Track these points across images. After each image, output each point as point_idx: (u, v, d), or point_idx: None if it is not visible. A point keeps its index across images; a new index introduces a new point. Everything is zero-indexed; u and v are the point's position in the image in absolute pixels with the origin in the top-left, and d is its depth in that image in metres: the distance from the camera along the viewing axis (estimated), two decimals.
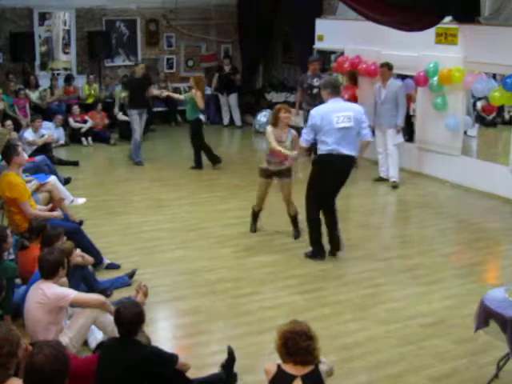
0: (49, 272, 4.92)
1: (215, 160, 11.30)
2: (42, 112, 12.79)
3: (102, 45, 14.23)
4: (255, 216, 8.07)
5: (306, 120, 12.31)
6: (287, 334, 3.72)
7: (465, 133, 10.50)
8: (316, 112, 6.91)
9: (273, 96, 15.14)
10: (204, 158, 11.23)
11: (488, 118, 12.34)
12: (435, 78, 10.09)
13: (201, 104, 10.73)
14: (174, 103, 14.36)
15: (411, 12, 9.38)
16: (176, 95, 11.89)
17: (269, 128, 7.60)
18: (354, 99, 11.62)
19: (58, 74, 14.81)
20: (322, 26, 12.80)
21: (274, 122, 7.59)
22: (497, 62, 9.09)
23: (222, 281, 6.67)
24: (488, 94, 9.49)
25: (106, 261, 6.88)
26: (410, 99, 10.82)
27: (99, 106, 13.53)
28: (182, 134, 12.69)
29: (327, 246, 7.26)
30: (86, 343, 5.17)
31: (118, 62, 14.96)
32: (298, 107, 12.30)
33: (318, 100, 11.93)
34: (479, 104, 11.91)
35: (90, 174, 11.11)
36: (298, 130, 8.31)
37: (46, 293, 4.83)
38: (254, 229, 8.08)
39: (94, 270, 6.51)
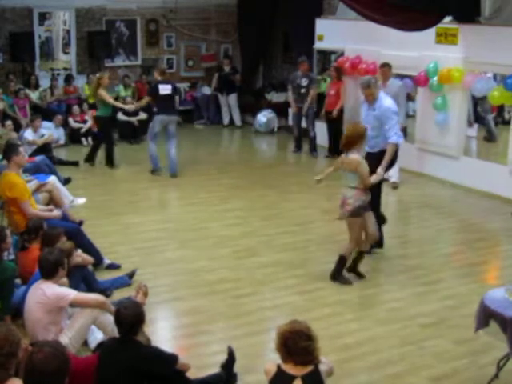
0: (48, 272, 4.92)
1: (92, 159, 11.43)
2: (42, 112, 12.78)
3: (102, 45, 14.23)
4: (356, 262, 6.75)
5: (294, 118, 12.44)
6: (287, 334, 3.72)
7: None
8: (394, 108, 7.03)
9: (273, 96, 15.15)
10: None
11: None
12: (435, 78, 10.09)
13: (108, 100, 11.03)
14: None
15: (411, 12, 9.38)
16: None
17: (359, 158, 6.42)
18: (338, 94, 11.69)
19: (58, 74, 14.82)
20: (321, 25, 12.81)
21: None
22: (497, 62, 9.09)
23: (222, 281, 6.66)
24: (488, 94, 9.49)
25: (107, 261, 6.88)
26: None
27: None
28: (182, 134, 12.68)
29: None
30: (86, 343, 5.17)
31: (118, 62, 14.95)
32: (293, 103, 12.41)
33: (305, 99, 12.09)
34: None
35: (89, 174, 11.10)
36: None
37: (45, 293, 4.83)
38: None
39: (95, 270, 6.51)
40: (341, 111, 11.90)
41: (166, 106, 10.61)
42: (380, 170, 6.76)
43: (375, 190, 6.84)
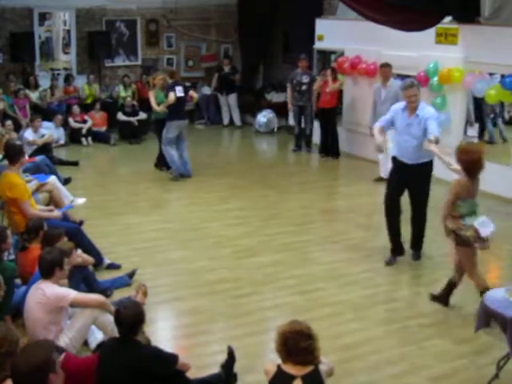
0: (46, 271, 4.93)
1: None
2: (42, 112, 12.79)
3: (102, 45, 14.24)
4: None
5: (295, 117, 12.47)
6: (287, 334, 3.72)
7: (465, 133, 10.50)
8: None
9: (273, 96, 15.17)
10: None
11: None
12: (435, 79, 10.09)
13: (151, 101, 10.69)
14: None
15: (411, 12, 9.38)
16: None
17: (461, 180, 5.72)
18: (334, 93, 11.73)
19: (58, 74, 14.82)
20: (321, 25, 12.81)
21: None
22: (497, 62, 9.09)
23: (222, 281, 6.66)
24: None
25: (107, 261, 6.89)
26: None
27: (97, 106, 13.51)
28: None
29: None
30: (86, 343, 5.17)
31: (118, 62, 14.97)
32: (292, 101, 12.45)
33: (305, 97, 12.12)
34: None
35: (90, 173, 11.11)
36: None
37: (45, 293, 4.83)
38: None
39: (95, 270, 6.51)
40: (335, 111, 11.92)
41: (179, 109, 10.36)
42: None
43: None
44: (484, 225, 5.68)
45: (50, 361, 3.27)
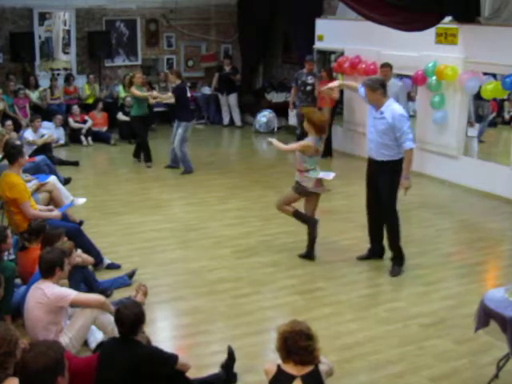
0: (46, 271, 4.93)
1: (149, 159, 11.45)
2: (42, 112, 12.79)
3: (102, 45, 14.25)
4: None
5: (298, 117, 12.47)
6: (287, 334, 3.72)
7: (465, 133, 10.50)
8: (405, 114, 6.62)
9: (273, 96, 15.16)
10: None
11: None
12: (434, 78, 10.08)
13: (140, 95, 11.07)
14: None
15: (411, 12, 9.38)
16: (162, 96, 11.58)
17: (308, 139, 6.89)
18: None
19: (58, 74, 14.82)
20: (322, 25, 12.82)
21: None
22: (497, 62, 9.09)
23: (222, 281, 6.66)
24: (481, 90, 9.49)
25: (107, 261, 6.89)
26: None
27: (100, 106, 13.52)
28: None
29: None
30: (86, 343, 5.17)
31: (118, 62, 14.97)
32: (292, 104, 12.45)
33: (309, 97, 12.13)
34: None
35: (90, 174, 11.11)
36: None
37: (45, 293, 4.83)
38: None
39: (94, 270, 6.51)
40: (332, 111, 11.92)
41: (191, 110, 10.86)
42: (404, 180, 6.56)
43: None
44: (326, 174, 7.00)
45: (60, 363, 3.27)
